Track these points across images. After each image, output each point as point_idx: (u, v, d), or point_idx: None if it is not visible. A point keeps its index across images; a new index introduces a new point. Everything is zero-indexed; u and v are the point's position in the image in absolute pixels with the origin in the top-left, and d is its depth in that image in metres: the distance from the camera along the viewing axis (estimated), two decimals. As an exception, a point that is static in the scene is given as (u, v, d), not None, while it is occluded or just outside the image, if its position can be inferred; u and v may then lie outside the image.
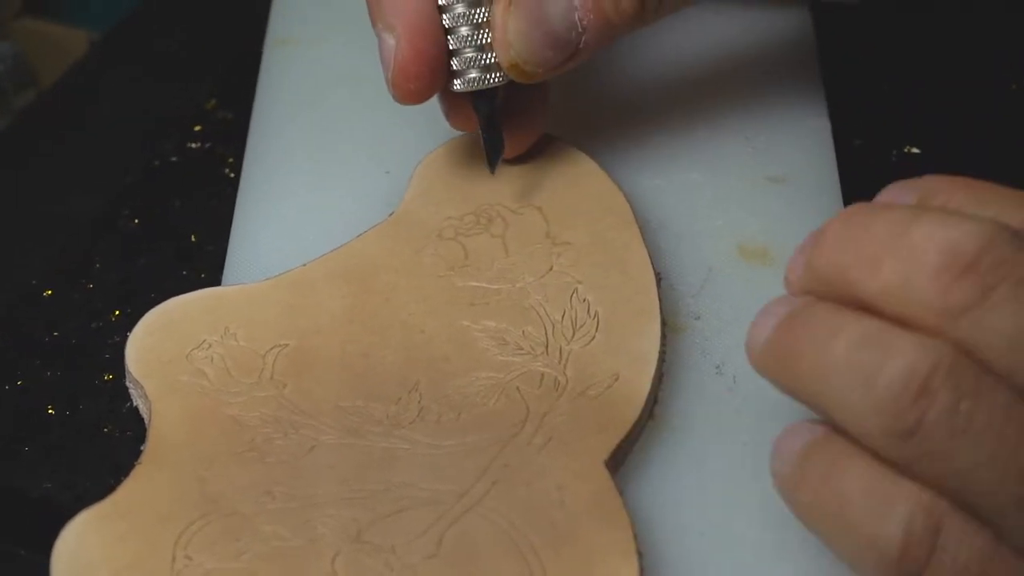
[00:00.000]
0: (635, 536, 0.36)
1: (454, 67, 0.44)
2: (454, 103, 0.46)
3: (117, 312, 0.48)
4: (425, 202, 0.47)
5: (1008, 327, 0.32)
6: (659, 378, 0.41)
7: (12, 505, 0.42)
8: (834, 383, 0.33)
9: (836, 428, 0.34)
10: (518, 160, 0.47)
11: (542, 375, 0.41)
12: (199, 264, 0.50)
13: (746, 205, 0.48)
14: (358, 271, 0.44)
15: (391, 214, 0.47)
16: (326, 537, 0.36)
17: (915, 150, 0.54)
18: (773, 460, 0.36)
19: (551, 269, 0.44)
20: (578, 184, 0.47)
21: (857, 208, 0.36)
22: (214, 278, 0.47)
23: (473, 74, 0.44)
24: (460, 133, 0.48)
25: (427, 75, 0.43)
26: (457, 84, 0.44)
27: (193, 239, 0.51)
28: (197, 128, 0.56)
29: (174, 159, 0.55)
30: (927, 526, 0.32)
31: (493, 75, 0.44)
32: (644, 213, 0.47)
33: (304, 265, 0.44)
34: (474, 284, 0.44)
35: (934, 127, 0.55)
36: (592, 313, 0.42)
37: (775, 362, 0.35)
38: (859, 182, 0.50)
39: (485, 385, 0.41)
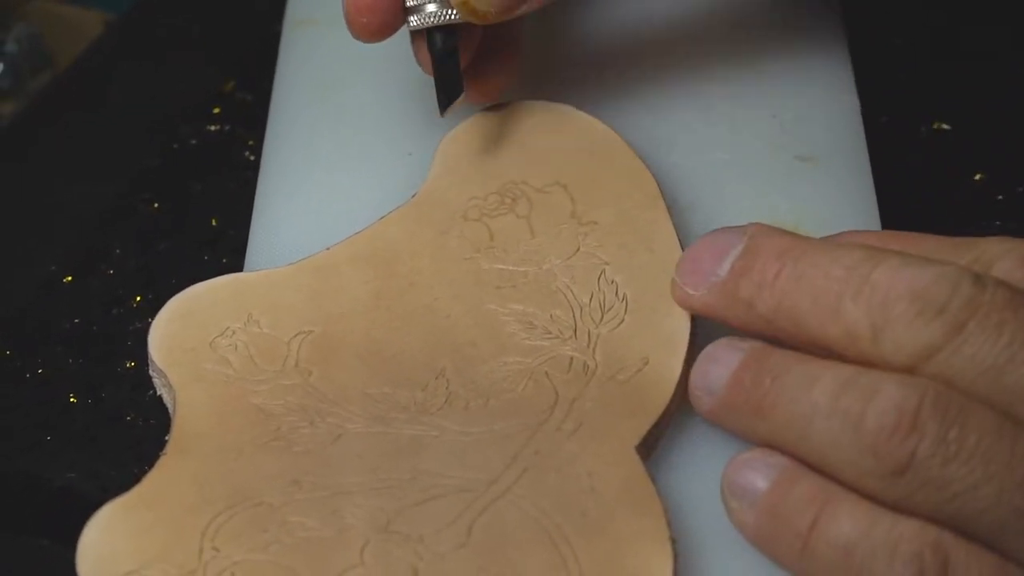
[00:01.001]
0: (668, 523, 0.36)
1: (410, 3, 0.43)
2: (421, 42, 0.44)
3: (138, 298, 0.47)
4: (448, 182, 0.46)
5: (983, 355, 0.33)
6: (691, 362, 0.40)
7: (35, 494, 0.42)
8: (818, 429, 0.34)
9: (810, 467, 0.35)
10: (541, 135, 0.46)
11: (571, 359, 0.40)
12: (221, 249, 0.49)
13: (775, 184, 0.47)
14: (382, 254, 0.43)
15: (414, 195, 0.46)
16: (355, 527, 0.36)
17: (945, 126, 0.53)
18: (730, 498, 0.36)
19: (578, 250, 0.43)
20: (603, 161, 0.46)
21: (791, 243, 0.36)
22: (236, 262, 0.47)
23: (430, 8, 0.42)
24: (481, 111, 0.47)
25: (381, 9, 0.42)
26: (413, 20, 0.43)
27: (214, 223, 0.50)
28: (216, 111, 0.55)
29: (193, 142, 0.54)
30: (935, 561, 0.32)
31: (448, 12, 0.42)
32: (672, 192, 0.46)
33: (327, 249, 0.44)
34: (500, 267, 0.43)
35: (964, 103, 0.54)
36: (620, 295, 0.42)
37: (739, 413, 0.36)
38: (889, 159, 0.49)
39: (513, 370, 0.40)
